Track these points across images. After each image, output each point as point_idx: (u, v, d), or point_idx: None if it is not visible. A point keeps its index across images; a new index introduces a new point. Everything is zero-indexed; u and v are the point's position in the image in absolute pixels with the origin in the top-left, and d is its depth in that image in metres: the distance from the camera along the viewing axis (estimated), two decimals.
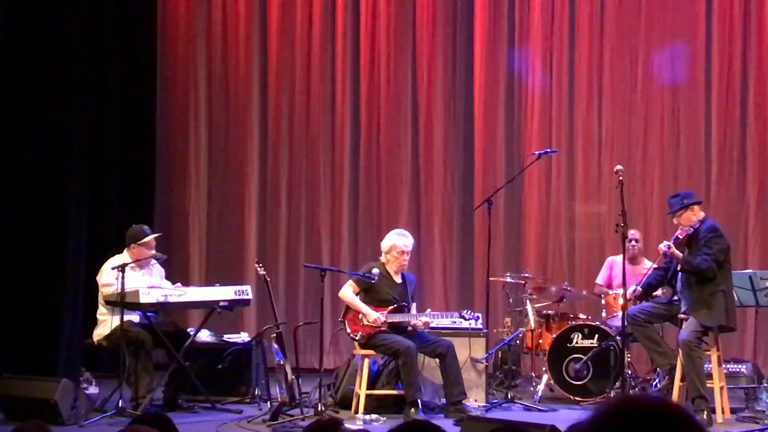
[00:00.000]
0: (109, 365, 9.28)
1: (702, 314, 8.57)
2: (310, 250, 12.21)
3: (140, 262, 9.08)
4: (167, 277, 9.53)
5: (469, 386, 9.17)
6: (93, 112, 10.77)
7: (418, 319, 9.11)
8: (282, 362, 8.69)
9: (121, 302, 8.57)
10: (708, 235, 8.68)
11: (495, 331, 10.56)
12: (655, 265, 9.22)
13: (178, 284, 9.40)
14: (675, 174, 11.68)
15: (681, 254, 8.66)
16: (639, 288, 9.03)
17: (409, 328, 9.12)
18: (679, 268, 8.72)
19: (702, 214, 8.89)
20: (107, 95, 11.55)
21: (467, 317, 9.22)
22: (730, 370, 9.62)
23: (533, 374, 10.24)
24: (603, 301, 10.19)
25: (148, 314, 8.94)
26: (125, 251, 9.15)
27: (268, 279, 9.31)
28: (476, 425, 6.82)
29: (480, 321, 9.62)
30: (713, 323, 8.62)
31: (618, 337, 9.32)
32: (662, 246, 8.71)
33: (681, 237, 8.76)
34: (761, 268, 10.37)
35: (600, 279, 10.57)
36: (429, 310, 9.42)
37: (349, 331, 9.09)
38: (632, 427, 1.77)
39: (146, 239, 9.15)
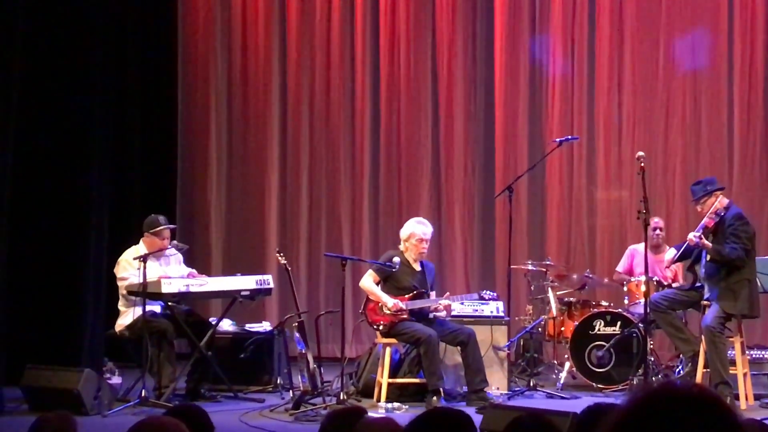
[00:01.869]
0: (131, 355, 9.30)
1: (727, 303, 8.53)
2: (330, 239, 12.21)
3: (156, 254, 9.08)
4: (187, 265, 9.54)
5: (490, 374, 9.15)
6: (114, 103, 10.76)
7: (438, 302, 9.10)
8: (304, 351, 8.70)
9: (143, 292, 8.59)
10: (735, 223, 8.62)
11: (517, 318, 10.53)
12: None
13: (193, 271, 9.39)
14: (697, 160, 11.61)
15: (710, 244, 8.58)
16: (677, 254, 8.91)
17: (431, 315, 9.11)
18: (708, 258, 8.65)
19: (726, 201, 8.83)
20: (128, 86, 11.55)
21: (486, 297, 9.21)
22: (754, 356, 9.56)
23: (555, 362, 10.22)
24: (625, 288, 10.14)
25: (170, 304, 8.96)
26: (141, 241, 9.17)
27: (289, 268, 9.32)
28: (498, 413, 6.81)
29: (501, 308, 9.60)
30: (737, 312, 8.58)
31: (640, 324, 9.28)
32: (693, 237, 8.63)
33: (709, 226, 8.68)
34: None
35: (620, 267, 10.52)
36: (448, 294, 9.40)
37: (370, 321, 9.08)
38: (668, 416, 1.75)
39: (158, 229, 9.15)
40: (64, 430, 4.05)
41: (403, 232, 9.25)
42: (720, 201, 8.78)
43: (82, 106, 10.01)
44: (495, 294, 9.47)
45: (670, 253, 9.02)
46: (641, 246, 9.16)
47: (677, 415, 1.74)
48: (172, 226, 9.45)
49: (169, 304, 8.96)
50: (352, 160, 12.31)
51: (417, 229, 9.17)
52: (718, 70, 11.60)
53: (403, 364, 9.21)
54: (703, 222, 8.70)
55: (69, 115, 9.91)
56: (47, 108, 9.81)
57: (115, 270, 9.15)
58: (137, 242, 9.22)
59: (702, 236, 8.57)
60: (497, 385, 9.30)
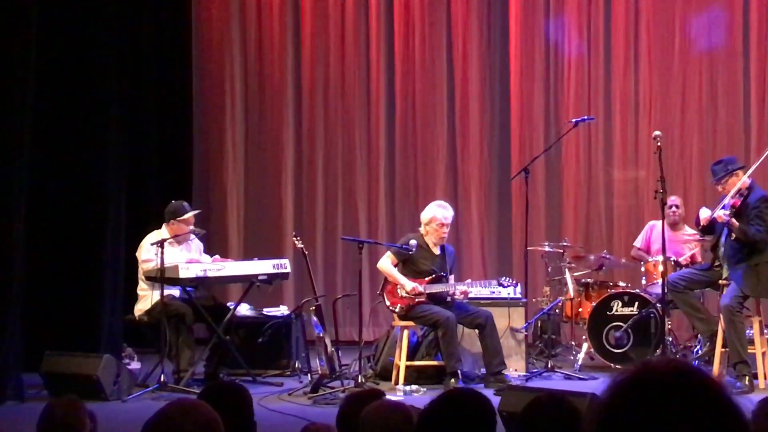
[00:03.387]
0: (150, 340, 9.34)
1: (747, 285, 8.48)
2: (347, 222, 12.21)
3: (179, 238, 9.11)
4: (206, 252, 9.57)
5: (508, 356, 9.16)
6: (129, 89, 10.78)
7: (456, 288, 9.10)
8: (321, 335, 8.71)
9: (161, 277, 8.61)
10: (761, 206, 8.53)
11: (534, 300, 10.53)
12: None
13: (216, 257, 9.43)
14: (714, 140, 11.58)
15: (737, 223, 8.52)
16: (712, 213, 8.75)
17: (448, 299, 9.11)
18: (733, 237, 8.59)
19: (748, 181, 8.72)
20: (143, 73, 11.57)
21: (506, 284, 9.21)
22: None
23: (573, 343, 10.22)
24: (642, 269, 10.12)
25: (188, 289, 8.98)
26: (164, 226, 9.18)
27: (306, 252, 9.33)
28: (516, 394, 6.80)
29: (519, 290, 9.60)
30: (757, 294, 8.55)
31: (658, 304, 9.26)
32: (723, 215, 8.53)
33: (736, 206, 8.60)
34: None
35: (639, 242, 10.49)
36: (469, 281, 9.41)
37: (388, 303, 9.09)
38: (649, 396, 1.74)
39: (186, 216, 9.18)
40: (73, 415, 4.05)
41: (424, 216, 9.23)
42: (742, 180, 8.70)
43: (97, 95, 10.03)
44: (514, 281, 9.46)
45: (705, 212, 8.84)
46: (660, 222, 9.11)
47: (657, 393, 1.73)
48: (197, 211, 9.47)
49: (187, 288, 8.99)
50: (367, 143, 12.30)
51: (438, 213, 9.14)
52: (734, 48, 11.54)
53: (421, 347, 9.22)
54: (729, 201, 8.61)
55: (84, 103, 9.92)
56: (63, 97, 9.82)
57: (137, 253, 9.17)
58: (158, 226, 9.24)
59: (731, 215, 8.49)
60: (515, 367, 9.31)
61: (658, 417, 1.71)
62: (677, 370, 1.77)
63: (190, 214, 9.22)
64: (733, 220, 8.50)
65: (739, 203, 8.60)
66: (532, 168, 10.23)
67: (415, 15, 12.17)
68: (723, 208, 8.61)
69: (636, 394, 1.75)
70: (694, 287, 9.02)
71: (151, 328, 9.08)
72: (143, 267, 9.05)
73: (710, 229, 8.87)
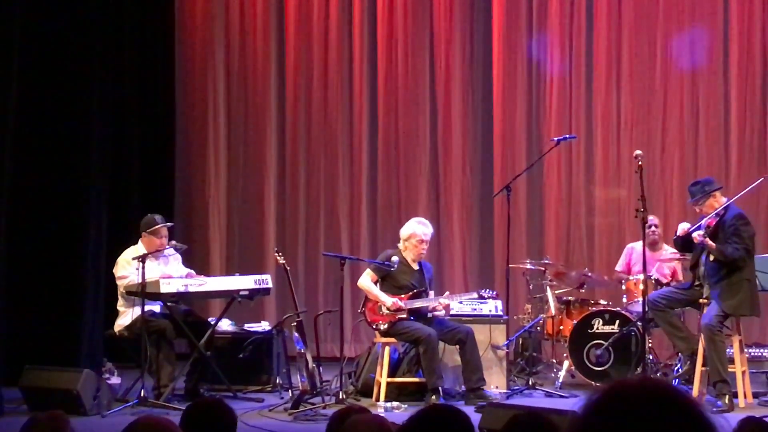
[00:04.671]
0: (130, 355, 9.30)
1: (727, 303, 8.52)
2: (329, 238, 12.21)
3: (155, 254, 9.09)
4: (187, 266, 9.54)
5: (489, 373, 9.16)
6: (111, 102, 10.77)
7: (437, 301, 9.12)
8: (303, 351, 8.70)
9: (142, 292, 8.59)
10: (736, 223, 8.61)
11: (515, 317, 10.54)
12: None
13: (191, 272, 9.41)
14: (695, 159, 11.65)
15: (714, 244, 8.57)
16: (693, 228, 8.80)
17: (430, 315, 9.12)
18: (712, 258, 8.64)
19: (724, 200, 8.81)
20: (126, 84, 11.54)
21: (486, 296, 9.23)
22: (752, 354, 9.59)
23: (554, 360, 10.23)
24: (624, 287, 10.15)
25: (169, 304, 8.96)
26: (140, 241, 9.19)
27: (288, 268, 9.33)
28: (497, 412, 6.82)
29: (500, 306, 9.61)
30: (738, 312, 8.59)
31: (639, 323, 9.28)
32: (697, 236, 8.59)
33: (711, 225, 8.66)
34: None
35: (619, 266, 10.54)
36: (448, 293, 9.43)
37: (369, 321, 9.09)
38: (625, 416, 1.75)
39: (155, 227, 9.16)
40: (57, 430, 4.04)
41: (404, 232, 9.25)
42: (719, 201, 8.77)
43: (79, 106, 10.02)
44: (494, 292, 9.48)
45: (684, 225, 8.90)
46: (639, 244, 9.17)
47: (631, 410, 1.74)
48: (169, 224, 9.45)
49: (168, 304, 8.97)
50: (350, 158, 12.32)
51: (418, 230, 9.17)
52: (715, 68, 11.62)
53: (402, 364, 9.22)
54: (704, 221, 8.68)
55: (66, 114, 9.91)
56: (45, 107, 9.81)
57: (114, 270, 9.17)
58: (136, 242, 9.25)
59: (705, 236, 8.56)
60: (496, 384, 9.32)
61: None
62: (651, 388, 1.78)
63: (159, 226, 9.19)
64: (708, 240, 8.55)
65: (714, 223, 8.66)
66: (514, 186, 10.26)
67: (398, 32, 12.21)
68: (698, 228, 8.66)
69: (610, 411, 1.76)
70: (675, 306, 9.05)
71: (131, 343, 9.05)
72: (119, 283, 9.04)
73: (688, 246, 8.91)
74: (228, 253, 12.36)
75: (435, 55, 12.19)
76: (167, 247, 9.20)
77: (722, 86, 11.60)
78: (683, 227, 8.86)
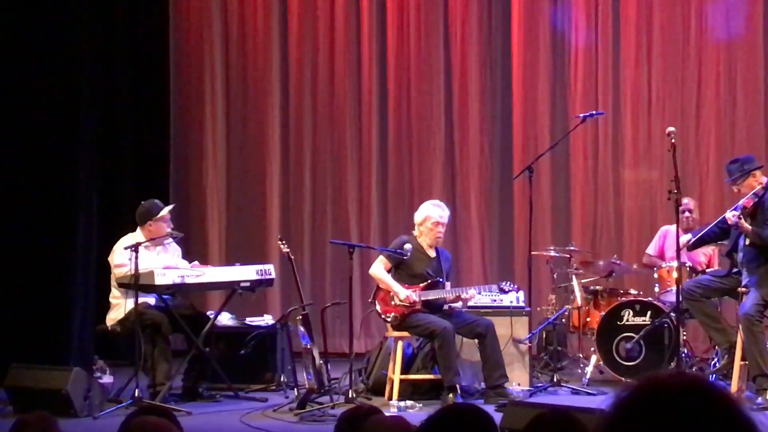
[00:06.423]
0: (123, 352, 9.33)
1: (767, 291, 8.47)
2: (336, 225, 12.20)
3: (155, 241, 9.06)
4: (185, 257, 9.53)
5: (511, 369, 9.14)
6: (102, 84, 10.80)
7: (453, 294, 9.08)
8: (309, 346, 8.69)
9: (135, 284, 8.56)
10: None
11: (539, 309, 10.51)
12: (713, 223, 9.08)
13: (195, 263, 9.40)
14: (732, 136, 11.59)
15: (749, 227, 8.52)
16: (693, 239, 8.91)
17: (446, 307, 9.09)
18: (747, 242, 8.59)
19: (765, 180, 8.76)
20: (117, 67, 11.56)
21: (507, 289, 9.18)
22: None
23: (581, 355, 10.22)
24: (656, 275, 10.11)
25: (164, 297, 8.94)
26: (138, 230, 9.13)
27: (293, 257, 9.32)
28: (519, 411, 6.79)
29: (522, 297, 9.58)
30: None
31: (672, 314, 9.25)
32: (731, 216, 8.57)
33: (748, 206, 8.62)
34: None
35: (651, 249, 10.47)
36: (472, 292, 9.39)
37: (380, 311, 9.06)
38: (658, 415, 1.72)
39: (162, 213, 9.12)
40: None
41: (418, 216, 9.21)
42: (759, 180, 8.72)
43: (68, 93, 10.03)
44: (515, 286, 9.45)
45: (686, 237, 8.99)
46: (674, 227, 9.12)
47: (665, 409, 1.71)
48: (171, 206, 9.39)
49: (164, 296, 8.95)
50: (358, 140, 12.29)
51: (433, 212, 9.13)
52: (753, 37, 11.55)
53: (417, 359, 9.20)
54: (741, 202, 8.64)
55: (54, 97, 9.93)
56: (32, 92, 9.82)
57: (110, 258, 9.11)
58: (131, 229, 9.19)
59: (741, 217, 8.51)
60: (518, 381, 9.30)
61: None
62: (686, 384, 1.74)
63: (165, 211, 9.15)
64: (743, 222, 8.49)
65: (751, 204, 8.60)
66: (537, 167, 10.22)
67: (409, 2, 12.16)
68: (734, 209, 8.62)
69: (641, 410, 1.73)
70: (711, 295, 9.02)
71: (124, 338, 9.06)
72: (116, 273, 8.99)
73: (706, 238, 8.91)
74: (228, 242, 12.35)
75: (450, 25, 12.14)
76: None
77: (762, 56, 11.53)
78: (685, 239, 8.92)
